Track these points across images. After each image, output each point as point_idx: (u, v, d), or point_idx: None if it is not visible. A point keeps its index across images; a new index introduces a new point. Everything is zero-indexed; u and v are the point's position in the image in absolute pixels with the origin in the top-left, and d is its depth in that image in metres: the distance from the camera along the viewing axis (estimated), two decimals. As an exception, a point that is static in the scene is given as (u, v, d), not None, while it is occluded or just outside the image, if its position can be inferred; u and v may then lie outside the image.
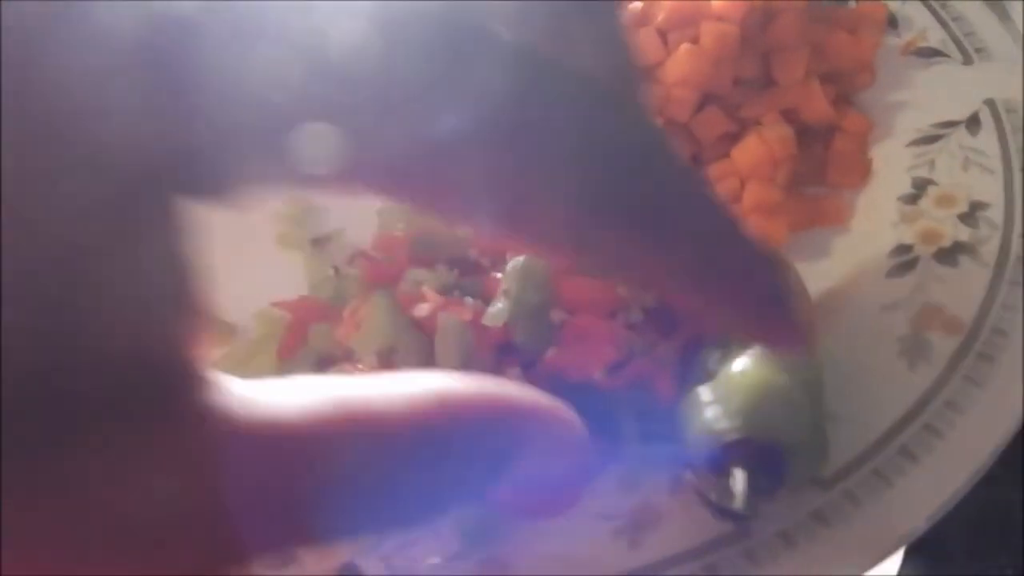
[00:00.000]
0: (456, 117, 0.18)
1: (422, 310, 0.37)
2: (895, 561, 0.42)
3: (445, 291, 0.38)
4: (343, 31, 0.19)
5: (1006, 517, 0.38)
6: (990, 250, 0.39)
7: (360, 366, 0.37)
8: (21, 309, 0.14)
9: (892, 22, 0.49)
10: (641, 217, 0.18)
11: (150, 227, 0.16)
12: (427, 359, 0.36)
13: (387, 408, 0.17)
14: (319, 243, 0.45)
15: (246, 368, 0.40)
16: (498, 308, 0.36)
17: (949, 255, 0.40)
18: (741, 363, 0.33)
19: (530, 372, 0.35)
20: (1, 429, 0.14)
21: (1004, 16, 0.48)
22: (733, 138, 0.45)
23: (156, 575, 0.16)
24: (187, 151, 0.16)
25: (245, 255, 0.46)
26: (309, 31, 0.19)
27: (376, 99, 0.18)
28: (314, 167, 0.18)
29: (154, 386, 0.16)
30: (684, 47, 0.44)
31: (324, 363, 0.39)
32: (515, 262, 0.37)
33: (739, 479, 0.30)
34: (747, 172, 0.44)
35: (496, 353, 0.36)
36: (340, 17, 0.19)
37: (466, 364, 0.36)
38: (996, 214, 0.40)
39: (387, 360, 0.36)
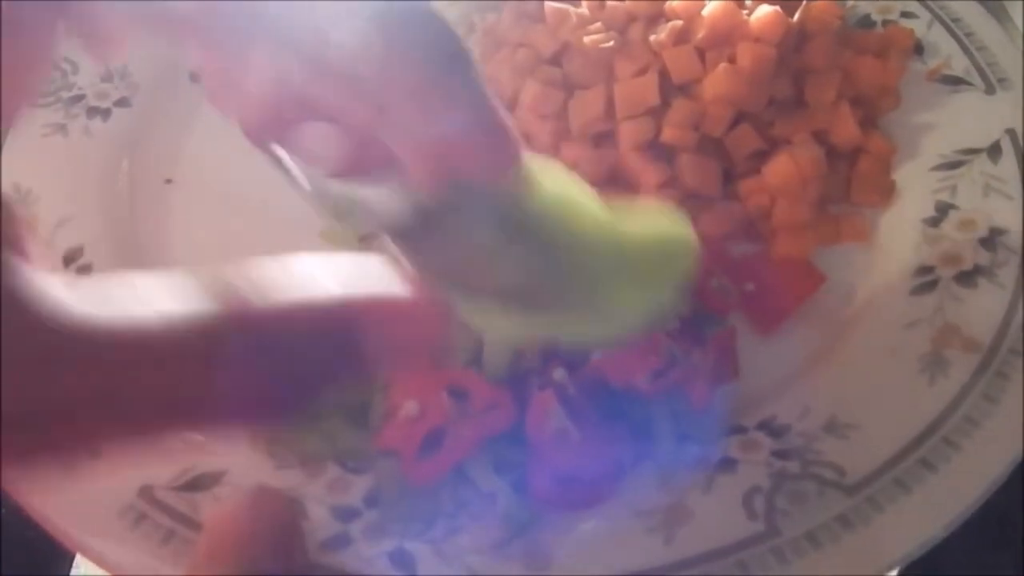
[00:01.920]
0: None
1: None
2: None
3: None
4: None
5: (1006, 517, 0.40)
6: (1008, 274, 0.41)
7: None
8: None
9: (918, 48, 0.51)
10: None
11: None
12: (476, 357, 0.38)
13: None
14: (366, 241, 0.47)
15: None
16: (547, 312, 0.37)
17: (969, 277, 0.42)
18: None
19: (575, 374, 0.37)
20: None
21: (1005, 18, 0.50)
22: (764, 155, 0.47)
23: None
24: None
25: (290, 251, 0.48)
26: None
27: None
28: None
29: None
30: (722, 66, 0.46)
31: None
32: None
33: None
34: (777, 189, 0.46)
35: (543, 355, 0.38)
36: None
37: (514, 364, 0.38)
38: (1014, 240, 0.43)
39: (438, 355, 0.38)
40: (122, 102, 0.52)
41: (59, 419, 0.17)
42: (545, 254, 0.27)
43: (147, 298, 0.18)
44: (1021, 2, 0.69)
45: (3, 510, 0.65)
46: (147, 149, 0.52)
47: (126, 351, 0.18)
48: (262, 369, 0.19)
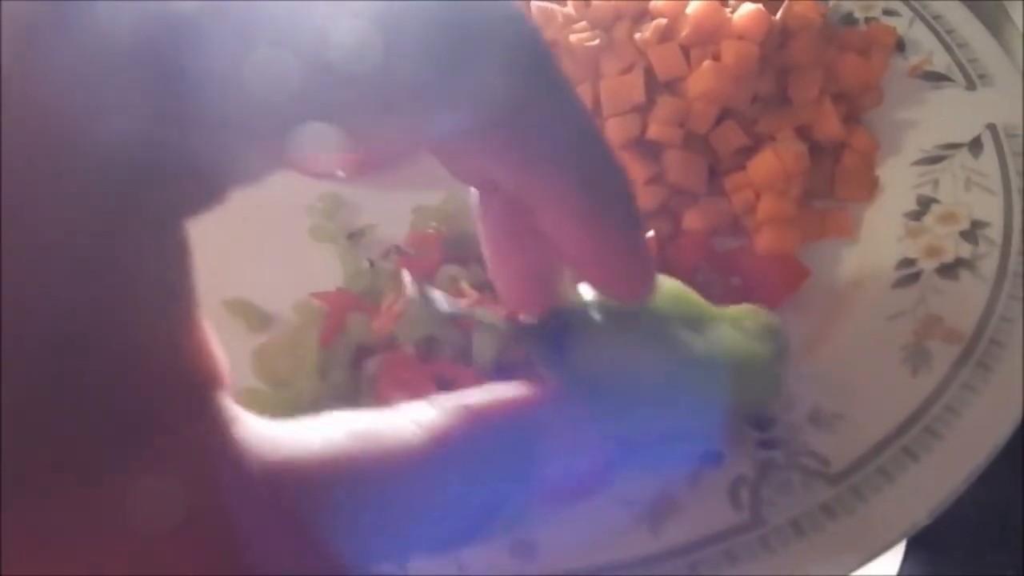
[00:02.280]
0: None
1: (461, 304, 0.39)
2: (896, 561, 0.44)
3: (479, 288, 0.41)
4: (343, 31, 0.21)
5: (1006, 517, 0.40)
6: (989, 266, 0.42)
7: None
8: (29, 319, 0.15)
9: (900, 45, 0.52)
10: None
11: (151, 231, 0.17)
12: (464, 352, 0.39)
13: (399, 436, 0.19)
14: (354, 237, 0.47)
15: (289, 356, 0.42)
16: (534, 306, 0.38)
17: (951, 270, 0.42)
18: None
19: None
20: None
21: (1004, 18, 0.51)
22: (749, 151, 0.48)
23: None
24: (185, 152, 0.17)
25: (279, 247, 0.49)
26: (309, 31, 0.20)
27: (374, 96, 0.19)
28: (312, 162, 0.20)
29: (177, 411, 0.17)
30: (707, 64, 0.47)
31: (363, 351, 0.41)
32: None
33: None
34: (762, 185, 0.46)
35: (528, 348, 0.38)
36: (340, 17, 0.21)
37: (500, 357, 0.38)
38: (995, 233, 0.43)
39: (425, 349, 0.38)
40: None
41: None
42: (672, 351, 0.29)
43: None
44: (1021, 2, 0.70)
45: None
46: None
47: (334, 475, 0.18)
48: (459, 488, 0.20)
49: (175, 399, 0.18)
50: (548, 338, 0.28)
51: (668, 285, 0.30)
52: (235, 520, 0.17)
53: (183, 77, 0.16)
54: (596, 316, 0.27)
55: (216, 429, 0.18)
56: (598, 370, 0.28)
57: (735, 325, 0.32)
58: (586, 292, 0.28)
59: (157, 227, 0.17)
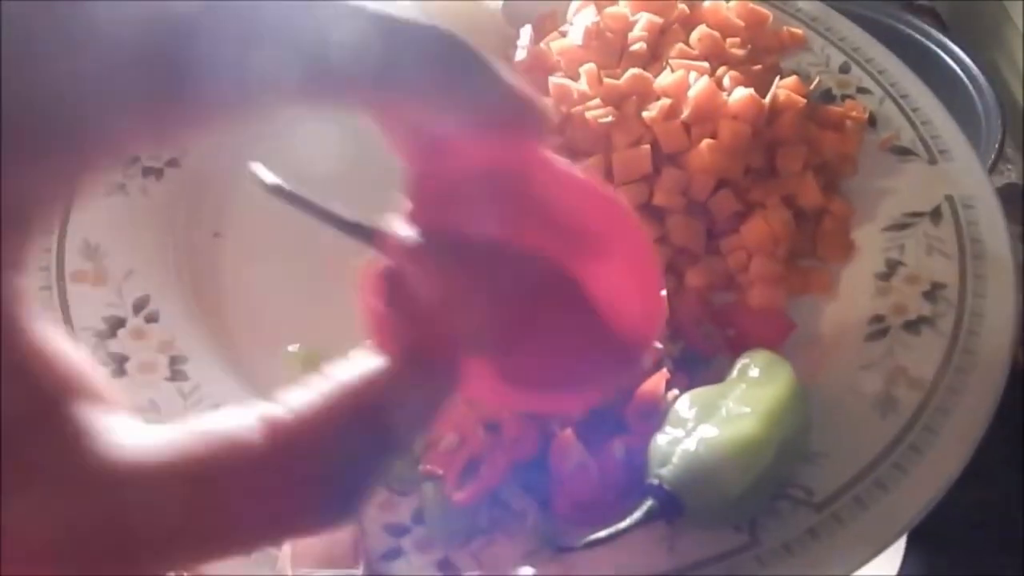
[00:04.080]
0: None
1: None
2: (896, 561, 0.50)
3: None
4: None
5: (1006, 517, 0.44)
6: (946, 323, 0.49)
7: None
8: None
9: (872, 121, 0.60)
10: None
11: None
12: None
13: (241, 433, 0.20)
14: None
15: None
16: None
17: (914, 326, 0.50)
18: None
19: (588, 411, 0.45)
20: None
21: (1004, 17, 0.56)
22: (742, 216, 0.55)
23: None
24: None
25: (342, 297, 0.55)
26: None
27: None
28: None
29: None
30: (706, 142, 0.54)
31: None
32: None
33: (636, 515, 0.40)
34: (754, 247, 0.54)
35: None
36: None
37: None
38: (952, 293, 0.51)
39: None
40: (172, 163, 0.59)
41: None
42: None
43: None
44: (1021, 2, 0.77)
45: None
46: (197, 206, 0.58)
47: (175, 479, 0.19)
48: (311, 477, 0.20)
49: (18, 412, 0.18)
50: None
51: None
52: (104, 526, 0.18)
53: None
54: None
55: (65, 441, 0.18)
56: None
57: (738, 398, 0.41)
58: None
59: None
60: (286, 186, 0.25)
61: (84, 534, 0.18)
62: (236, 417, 0.20)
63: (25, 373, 0.18)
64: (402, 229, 0.24)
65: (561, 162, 0.26)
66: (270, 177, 0.26)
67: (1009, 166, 0.89)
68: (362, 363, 0.22)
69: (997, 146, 0.72)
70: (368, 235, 0.24)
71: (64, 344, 0.19)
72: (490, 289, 0.25)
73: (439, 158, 0.25)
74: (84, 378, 0.20)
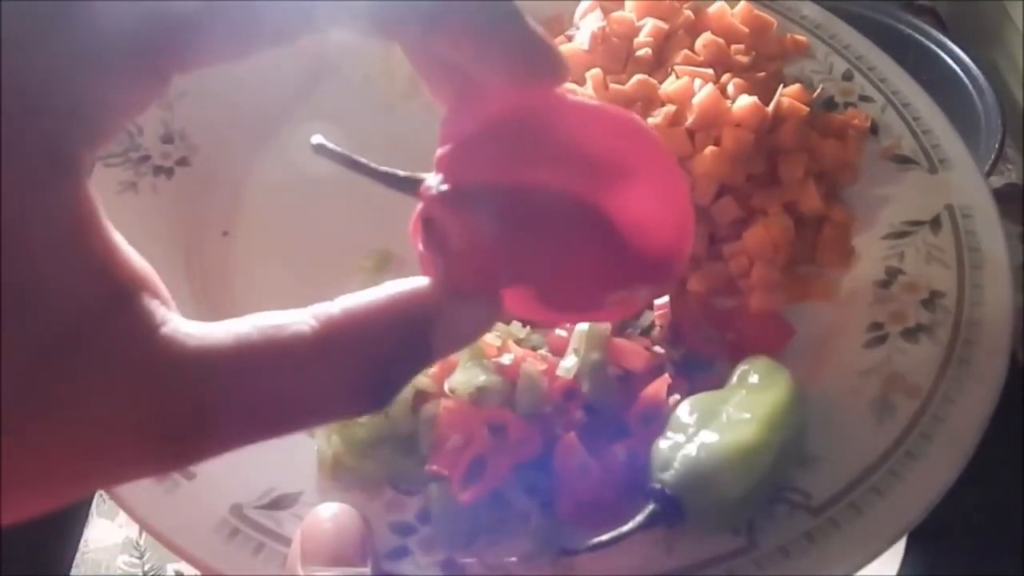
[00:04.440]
0: None
1: (507, 359, 0.46)
2: (895, 561, 0.50)
3: (519, 343, 0.48)
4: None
5: (1006, 517, 0.44)
6: (944, 332, 0.50)
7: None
8: None
9: (874, 129, 0.60)
10: None
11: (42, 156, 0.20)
12: (508, 399, 0.46)
13: (296, 328, 0.23)
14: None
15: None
16: (571, 362, 0.46)
17: (912, 334, 0.50)
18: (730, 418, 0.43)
19: (591, 414, 0.46)
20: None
21: (1004, 17, 0.57)
22: (744, 223, 0.56)
23: (122, 471, 0.22)
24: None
25: (340, 290, 0.56)
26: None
27: None
28: None
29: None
30: (709, 149, 0.54)
31: (421, 396, 0.48)
32: (581, 326, 0.47)
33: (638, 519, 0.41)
34: (755, 253, 0.54)
35: (564, 397, 0.46)
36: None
37: (539, 404, 0.46)
38: (950, 302, 0.51)
39: (478, 399, 0.46)
40: (183, 161, 0.60)
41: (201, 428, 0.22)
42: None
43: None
44: (1021, 2, 0.77)
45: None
46: (206, 205, 0.59)
47: (235, 363, 0.22)
48: (352, 366, 0.23)
49: (89, 307, 0.21)
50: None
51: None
52: (176, 405, 0.21)
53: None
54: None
55: (137, 330, 0.21)
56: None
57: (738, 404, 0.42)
58: None
59: (46, 153, 0.20)
60: (343, 151, 0.28)
61: (157, 412, 0.21)
62: (292, 314, 0.23)
63: (104, 269, 0.21)
64: (434, 178, 0.28)
65: (582, 97, 0.28)
66: (329, 144, 0.28)
67: (1009, 166, 0.90)
68: (412, 282, 0.26)
69: (997, 146, 0.73)
70: (414, 186, 0.28)
71: (128, 247, 0.22)
72: (518, 227, 0.28)
73: (471, 101, 0.28)
74: (150, 277, 0.23)
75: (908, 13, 0.84)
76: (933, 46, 0.79)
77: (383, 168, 0.28)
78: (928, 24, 0.83)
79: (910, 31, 0.82)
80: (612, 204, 0.29)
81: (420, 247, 0.28)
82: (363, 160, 0.28)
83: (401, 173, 0.28)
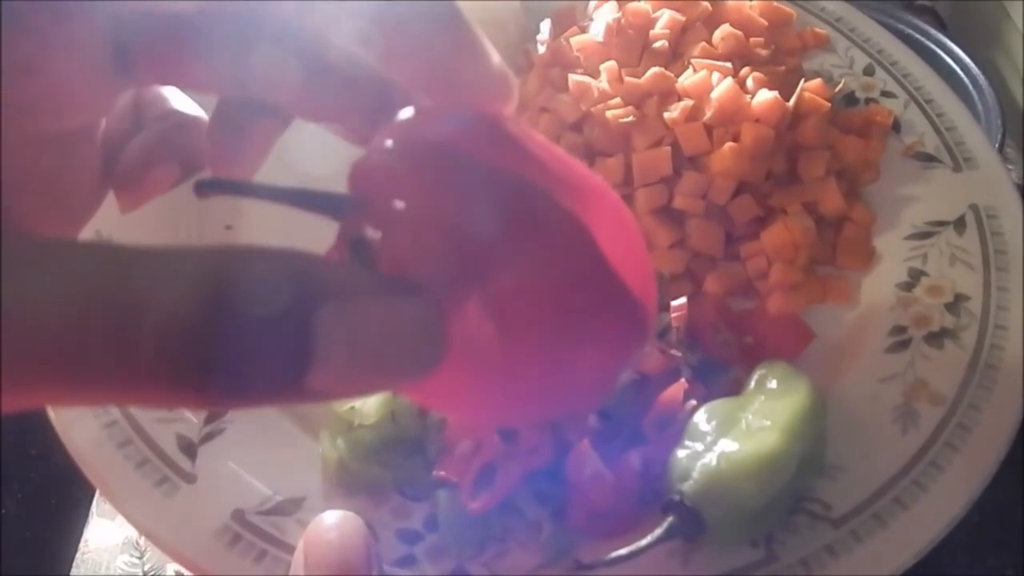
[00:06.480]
0: None
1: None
2: None
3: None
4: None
5: (1006, 517, 0.43)
6: (969, 336, 0.49)
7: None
8: None
9: (896, 126, 0.59)
10: None
11: None
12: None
13: None
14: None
15: (364, 402, 0.47)
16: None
17: (936, 338, 0.49)
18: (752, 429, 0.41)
19: (604, 420, 0.44)
20: None
21: (1004, 17, 0.56)
22: (762, 222, 0.54)
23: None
24: None
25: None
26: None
27: None
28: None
29: None
30: (728, 145, 0.53)
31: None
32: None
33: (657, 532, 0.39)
34: (774, 254, 0.53)
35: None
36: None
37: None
38: (976, 306, 0.50)
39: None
40: (186, 153, 0.58)
41: None
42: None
43: None
44: (1021, 2, 0.76)
45: (3, 510, 0.70)
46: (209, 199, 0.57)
47: None
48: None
49: None
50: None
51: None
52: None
53: None
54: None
55: None
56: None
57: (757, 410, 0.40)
58: None
59: None
60: (233, 180, 0.27)
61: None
62: None
63: None
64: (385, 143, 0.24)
65: (529, 131, 0.26)
66: (214, 181, 0.26)
67: (1009, 166, 0.89)
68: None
69: (997, 146, 0.72)
70: (333, 204, 0.24)
71: None
72: (491, 212, 0.23)
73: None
74: None
75: (908, 13, 0.83)
76: (933, 46, 0.78)
77: (292, 187, 0.24)
78: (928, 24, 0.82)
79: (910, 31, 0.80)
80: (591, 222, 0.24)
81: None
82: (261, 184, 0.24)
83: (316, 190, 0.24)
